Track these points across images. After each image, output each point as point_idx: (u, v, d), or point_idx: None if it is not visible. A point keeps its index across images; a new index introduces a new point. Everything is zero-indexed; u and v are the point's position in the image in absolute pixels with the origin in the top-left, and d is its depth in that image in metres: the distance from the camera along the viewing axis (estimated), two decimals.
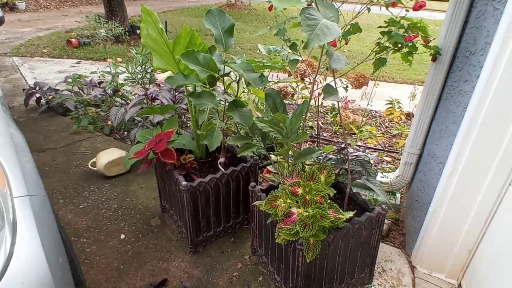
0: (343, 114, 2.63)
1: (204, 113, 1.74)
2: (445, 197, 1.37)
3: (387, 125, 3.52)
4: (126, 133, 2.90)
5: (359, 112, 3.41)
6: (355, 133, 2.94)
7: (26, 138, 2.79)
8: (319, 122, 3.45)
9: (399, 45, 1.52)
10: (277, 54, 2.47)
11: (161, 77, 2.78)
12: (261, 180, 1.99)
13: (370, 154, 2.68)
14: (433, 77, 1.71)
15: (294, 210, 1.15)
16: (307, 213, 1.11)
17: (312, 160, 1.56)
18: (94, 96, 2.74)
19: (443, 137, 1.55)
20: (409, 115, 3.27)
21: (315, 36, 0.96)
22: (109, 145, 2.70)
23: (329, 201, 1.18)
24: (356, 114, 3.25)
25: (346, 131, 2.88)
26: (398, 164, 2.71)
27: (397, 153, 2.81)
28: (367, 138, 2.73)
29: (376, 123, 3.45)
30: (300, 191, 1.16)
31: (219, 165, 1.64)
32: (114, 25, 5.84)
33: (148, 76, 2.67)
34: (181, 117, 2.38)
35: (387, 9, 1.41)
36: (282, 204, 1.15)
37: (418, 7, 1.31)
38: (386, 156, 2.79)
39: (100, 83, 2.77)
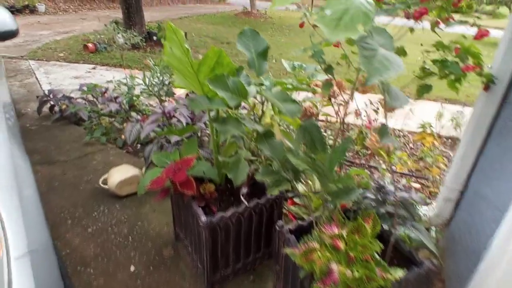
0: (372, 138, 2.45)
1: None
2: (506, 254, 1.18)
3: (411, 146, 3.32)
4: (139, 145, 2.78)
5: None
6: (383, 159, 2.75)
7: (38, 147, 2.70)
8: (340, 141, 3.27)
9: (447, 72, 1.35)
10: (302, 71, 2.32)
11: (179, 90, 2.66)
12: (285, 211, 1.83)
13: (399, 181, 2.49)
14: (483, 107, 1.52)
15: (334, 266, 0.98)
16: (351, 274, 0.94)
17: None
18: (110, 110, 2.63)
19: (499, 178, 1.36)
20: (439, 137, 3.07)
21: (374, 71, 0.80)
22: (122, 159, 2.58)
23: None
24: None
25: (377, 158, 2.69)
26: (428, 192, 2.51)
27: (427, 179, 2.62)
28: (396, 165, 2.54)
29: (399, 143, 3.26)
30: (342, 246, 0.99)
31: (241, 197, 1.48)
32: (133, 34, 5.82)
33: (165, 88, 2.55)
34: (200, 135, 2.25)
35: (433, 30, 1.25)
36: (320, 259, 0.99)
37: (480, 36, 1.14)
38: (415, 182, 2.59)
39: (116, 98, 2.65)
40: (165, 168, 1.47)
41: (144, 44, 6.23)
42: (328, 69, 1.46)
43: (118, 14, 11.78)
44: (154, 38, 6.56)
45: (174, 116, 2.02)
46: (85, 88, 3.27)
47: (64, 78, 4.53)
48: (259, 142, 1.24)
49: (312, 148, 1.16)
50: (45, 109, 3.26)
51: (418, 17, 1.12)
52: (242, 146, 1.45)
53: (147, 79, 2.67)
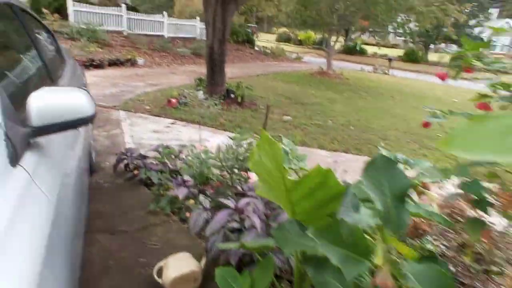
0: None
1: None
2: None
3: None
4: None
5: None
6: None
7: (104, 211, 2.60)
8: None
9: None
10: (408, 167, 1.86)
11: (255, 178, 2.38)
12: None
13: None
14: None
15: None
16: None
17: None
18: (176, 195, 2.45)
19: None
20: None
21: None
22: (182, 239, 2.32)
23: None
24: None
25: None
26: None
27: None
28: None
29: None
30: None
31: None
32: (214, 102, 6.05)
33: (237, 171, 2.31)
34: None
35: None
36: None
37: None
38: None
39: (185, 181, 2.45)
40: None
41: (222, 101, 6.40)
42: (481, 204, 1.00)
43: (203, 69, 12.89)
44: (232, 96, 6.74)
45: (244, 212, 1.70)
46: (160, 150, 3.25)
47: (145, 132, 4.72)
48: None
49: None
50: (121, 164, 3.30)
51: None
52: None
53: (221, 154, 2.46)
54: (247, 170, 2.56)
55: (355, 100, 9.26)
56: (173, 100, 5.94)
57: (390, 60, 23.76)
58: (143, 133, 4.63)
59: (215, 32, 6.21)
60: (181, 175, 3.20)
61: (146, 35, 14.51)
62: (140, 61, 11.78)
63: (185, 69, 12.32)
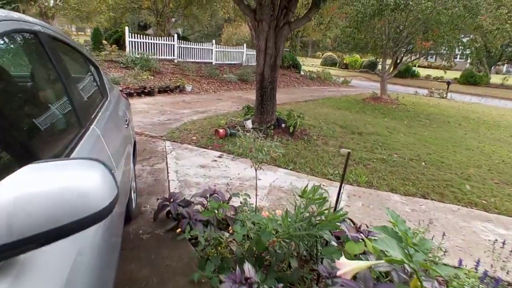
0: None
1: None
2: None
3: None
4: None
5: None
6: None
7: (139, 277, 2.11)
8: None
9: None
10: None
11: (345, 266, 1.75)
12: None
13: None
14: None
15: None
16: None
17: None
18: None
19: None
20: None
21: None
22: None
23: None
24: None
25: None
26: None
27: None
28: None
29: None
30: None
31: None
32: (261, 125, 5.60)
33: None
34: None
35: None
36: None
37: None
38: None
39: (247, 279, 1.85)
40: None
41: (272, 131, 5.91)
42: None
43: (249, 95, 12.70)
44: (283, 125, 6.23)
45: None
46: (207, 196, 2.77)
47: (191, 166, 4.33)
48: None
49: None
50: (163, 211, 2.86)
51: None
52: None
53: (287, 219, 1.90)
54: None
55: (418, 128, 8.26)
56: (221, 131, 5.57)
57: (448, 83, 21.95)
58: (189, 168, 4.24)
59: (267, 59, 5.84)
60: (228, 224, 2.68)
61: (195, 62, 14.84)
62: (188, 87, 11.91)
63: (231, 94, 12.21)
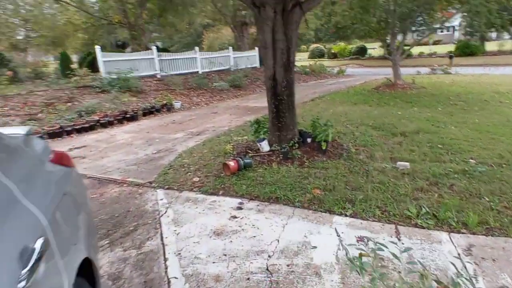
0: None
1: None
2: None
3: None
4: None
5: None
6: None
7: None
8: None
9: None
10: None
11: None
12: None
13: None
14: None
15: None
16: None
17: None
18: None
19: None
20: None
21: None
22: None
23: None
24: None
25: None
26: None
27: None
28: None
29: None
30: None
31: None
32: (281, 146, 4.07)
33: None
34: None
35: None
36: None
37: None
38: None
39: None
40: None
41: (299, 153, 4.37)
42: None
43: (246, 103, 11.14)
44: (308, 140, 4.70)
45: None
46: None
47: (200, 235, 2.77)
48: None
49: None
50: None
51: None
52: None
53: None
54: None
55: (461, 115, 6.77)
56: (231, 164, 4.00)
57: (451, 57, 20.71)
58: (198, 243, 2.68)
59: (277, 56, 4.30)
60: None
61: (179, 74, 13.27)
62: (177, 104, 10.32)
63: (226, 105, 10.65)
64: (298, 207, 3.15)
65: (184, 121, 8.33)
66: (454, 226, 2.64)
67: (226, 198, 3.49)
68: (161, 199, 3.59)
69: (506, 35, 25.78)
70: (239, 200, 3.39)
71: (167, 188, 3.87)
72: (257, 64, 17.62)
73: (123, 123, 8.60)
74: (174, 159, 4.96)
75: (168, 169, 4.48)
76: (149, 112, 9.46)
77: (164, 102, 10.13)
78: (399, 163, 4.10)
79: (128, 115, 8.88)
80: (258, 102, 10.28)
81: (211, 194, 3.61)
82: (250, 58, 17.58)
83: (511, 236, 2.48)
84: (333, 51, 35.28)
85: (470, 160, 4.08)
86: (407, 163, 4.07)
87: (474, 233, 2.55)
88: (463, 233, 2.57)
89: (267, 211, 3.12)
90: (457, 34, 34.73)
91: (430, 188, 3.38)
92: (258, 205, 3.27)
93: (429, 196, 3.20)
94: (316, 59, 27.48)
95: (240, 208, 3.22)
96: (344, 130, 5.83)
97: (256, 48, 17.28)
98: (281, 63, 4.34)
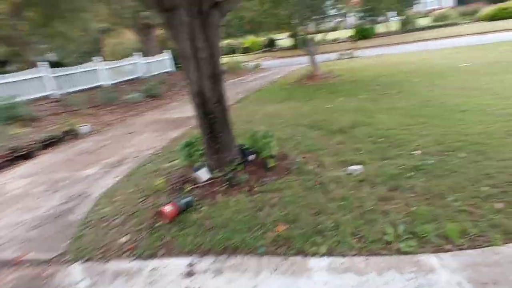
0: None
1: None
2: None
3: None
4: None
5: None
6: None
7: None
8: None
9: None
10: None
11: None
12: None
13: None
14: None
15: None
16: None
17: None
18: None
19: None
20: None
21: None
22: None
23: None
24: None
25: None
26: None
27: None
28: None
29: None
30: None
31: None
32: (223, 171, 3.45)
33: None
34: None
35: None
36: None
37: None
38: None
39: None
40: None
41: (247, 176, 3.78)
42: None
43: (167, 114, 10.02)
44: (251, 157, 4.15)
45: None
46: None
47: None
48: None
49: None
50: None
51: None
52: None
53: None
54: None
55: (384, 100, 6.99)
56: (167, 209, 3.20)
57: (355, 41, 22.42)
58: None
59: (201, 67, 3.61)
60: None
61: (81, 91, 11.45)
62: (84, 128, 8.74)
63: (145, 120, 9.43)
64: (264, 255, 2.57)
65: (97, 149, 7.01)
66: (437, 245, 2.38)
67: (170, 260, 2.71)
68: (80, 280, 2.64)
69: (392, 17, 29.02)
70: (187, 261, 2.66)
71: (86, 260, 2.90)
72: (171, 68, 16.43)
73: (15, 163, 6.86)
74: (90, 209, 3.91)
75: (84, 228, 3.45)
76: (49, 144, 7.78)
77: (67, 128, 8.48)
78: (351, 167, 3.84)
79: (21, 152, 7.13)
80: (181, 112, 9.39)
81: (148, 258, 2.78)
82: (163, 62, 16.29)
83: (495, 243, 2.31)
84: (245, 46, 35.44)
85: (416, 152, 4.04)
86: (358, 166, 3.83)
87: (460, 248, 2.32)
88: (449, 250, 2.32)
89: (228, 270, 2.47)
90: (351, 20, 38.08)
91: (392, 195, 3.14)
92: (213, 263, 2.59)
93: (396, 205, 2.94)
94: (229, 55, 27.14)
95: (191, 274, 2.50)
96: (282, 135, 5.44)
97: (169, 51, 16.07)
98: (207, 75, 3.65)
